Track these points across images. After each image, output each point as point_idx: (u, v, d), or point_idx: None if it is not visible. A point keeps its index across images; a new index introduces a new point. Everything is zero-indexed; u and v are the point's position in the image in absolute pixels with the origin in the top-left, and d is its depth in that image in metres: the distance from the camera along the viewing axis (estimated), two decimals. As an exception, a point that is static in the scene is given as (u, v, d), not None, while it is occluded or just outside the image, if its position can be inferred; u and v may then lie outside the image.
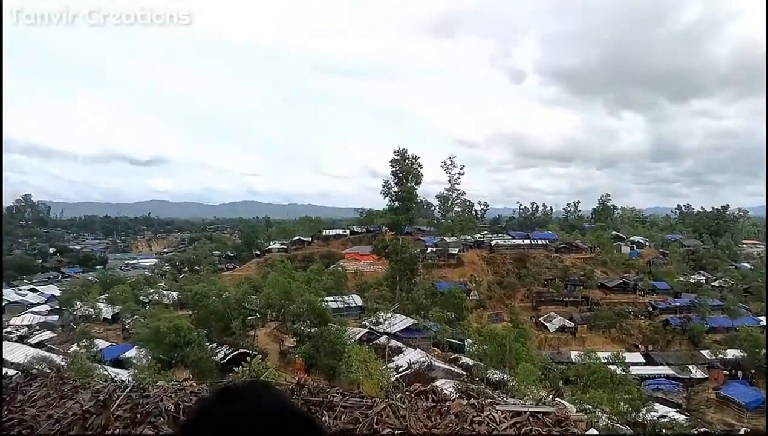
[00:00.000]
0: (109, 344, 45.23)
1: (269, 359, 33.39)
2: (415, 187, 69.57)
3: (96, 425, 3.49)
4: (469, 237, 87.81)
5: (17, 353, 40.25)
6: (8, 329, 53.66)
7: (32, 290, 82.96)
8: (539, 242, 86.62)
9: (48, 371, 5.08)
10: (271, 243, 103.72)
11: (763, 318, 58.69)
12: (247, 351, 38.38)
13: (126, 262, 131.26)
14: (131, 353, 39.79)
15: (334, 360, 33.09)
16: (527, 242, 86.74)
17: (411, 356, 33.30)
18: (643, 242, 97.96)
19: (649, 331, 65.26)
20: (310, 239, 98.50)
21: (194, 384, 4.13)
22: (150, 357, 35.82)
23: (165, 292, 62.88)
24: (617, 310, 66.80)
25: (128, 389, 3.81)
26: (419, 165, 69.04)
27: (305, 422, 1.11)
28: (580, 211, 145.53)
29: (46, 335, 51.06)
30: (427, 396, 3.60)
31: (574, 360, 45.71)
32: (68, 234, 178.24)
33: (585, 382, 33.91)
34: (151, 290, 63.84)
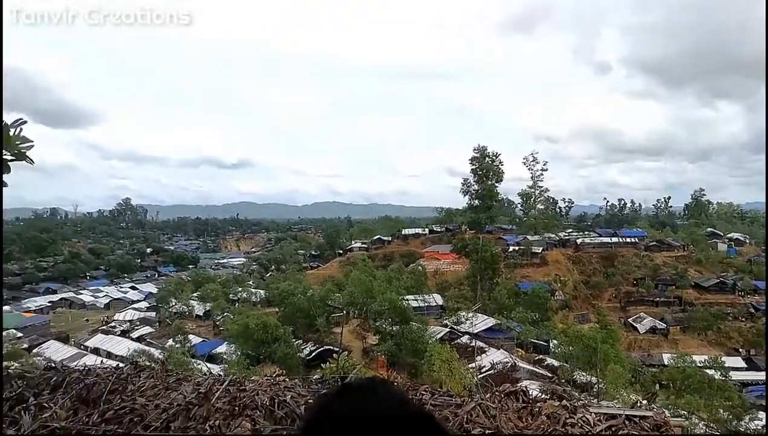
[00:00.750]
0: (202, 339, 47.20)
1: (352, 356, 33.99)
2: (496, 184, 68.62)
3: (198, 416, 3.71)
4: (553, 235, 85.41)
5: (121, 346, 43.17)
6: (112, 324, 57.54)
7: (132, 288, 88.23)
8: (628, 240, 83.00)
9: (153, 363, 5.44)
10: (353, 242, 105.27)
11: None
12: (332, 348, 39.25)
13: (216, 261, 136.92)
14: (222, 348, 41.52)
15: (415, 358, 33.22)
16: (615, 239, 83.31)
17: (494, 357, 32.90)
18: (742, 238, 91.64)
19: (750, 334, 60.89)
20: (390, 238, 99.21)
21: (287, 379, 4.30)
22: (239, 353, 37.35)
23: (253, 290, 65.07)
24: (714, 311, 62.77)
25: (226, 382, 4.01)
26: (500, 162, 68.05)
27: (427, 419, 1.10)
28: (671, 207, 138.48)
29: (145, 330, 54.22)
30: (517, 397, 3.56)
31: (666, 363, 43.49)
32: (163, 235, 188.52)
33: (679, 386, 32.21)
34: (240, 288, 66.21)
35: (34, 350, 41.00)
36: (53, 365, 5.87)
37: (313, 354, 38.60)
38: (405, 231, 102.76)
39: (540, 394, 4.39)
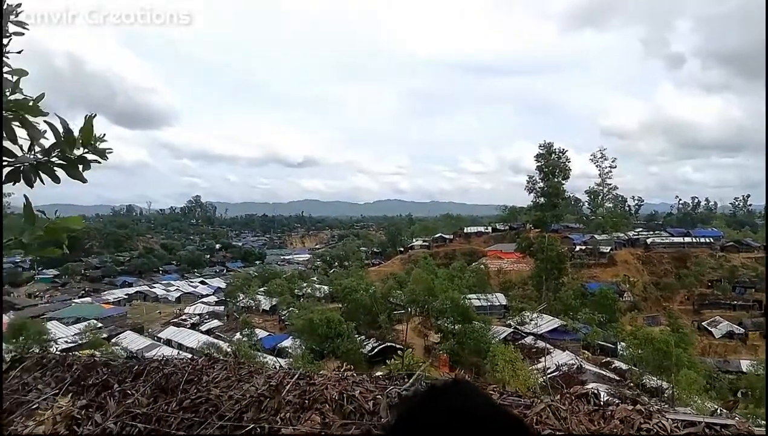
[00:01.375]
0: (268, 333, 48.39)
1: (415, 354, 34.06)
2: (563, 182, 66.91)
3: (270, 408, 3.82)
4: (622, 235, 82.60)
5: (191, 338, 44.90)
6: (183, 317, 59.84)
7: (202, 283, 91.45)
8: (702, 240, 79.23)
9: (225, 356, 5.64)
10: (414, 240, 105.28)
11: None
12: (394, 345, 39.44)
13: (282, 257, 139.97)
14: (287, 342, 42.47)
15: (478, 358, 32.95)
16: (688, 239, 79.71)
17: (559, 358, 32.20)
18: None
19: (840, 342, 57.01)
20: (451, 236, 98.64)
21: (354, 374, 4.37)
22: (304, 347, 38.12)
23: (317, 286, 66.11)
24: (799, 316, 59.07)
25: (296, 376, 4.12)
26: (566, 159, 66.35)
27: (517, 422, 1.07)
28: (750, 205, 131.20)
29: (214, 323, 56.12)
30: (588, 399, 3.49)
31: (745, 370, 41.30)
32: (231, 232, 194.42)
33: (760, 395, 30.55)
34: (305, 284, 67.40)
35: (113, 340, 43.29)
36: (134, 354, 6.17)
37: (375, 350, 38.92)
38: (467, 229, 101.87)
39: (610, 397, 4.28)
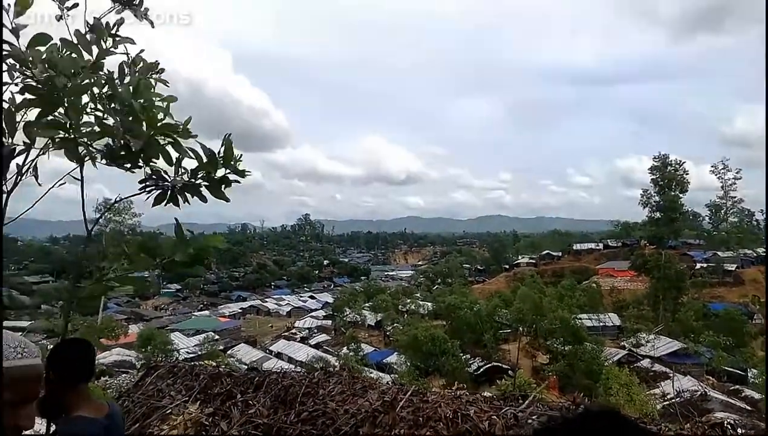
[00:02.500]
0: (373, 348, 48.86)
1: (522, 375, 33.11)
2: (680, 195, 62.88)
3: (384, 424, 3.88)
4: (750, 251, 75.95)
5: (301, 351, 46.31)
6: (293, 331, 61.95)
7: (311, 297, 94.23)
8: None
9: (341, 370, 5.80)
10: (520, 257, 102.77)
11: None
12: (500, 365, 38.60)
13: (386, 273, 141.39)
14: (392, 358, 42.67)
15: (590, 381, 31.44)
16: (831, 257, 71.86)
17: (680, 384, 30.02)
18: None
19: None
20: (559, 254, 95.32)
21: (467, 393, 4.35)
22: (409, 363, 38.17)
23: (420, 302, 66.10)
24: None
25: (409, 392, 4.16)
26: (684, 171, 62.37)
27: None
28: None
29: (322, 337, 57.53)
30: (724, 430, 3.26)
31: None
32: (338, 248, 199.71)
33: None
34: (408, 300, 67.55)
35: (228, 351, 45.61)
36: (249, 366, 6.52)
37: (481, 370, 38.23)
38: (576, 246, 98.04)
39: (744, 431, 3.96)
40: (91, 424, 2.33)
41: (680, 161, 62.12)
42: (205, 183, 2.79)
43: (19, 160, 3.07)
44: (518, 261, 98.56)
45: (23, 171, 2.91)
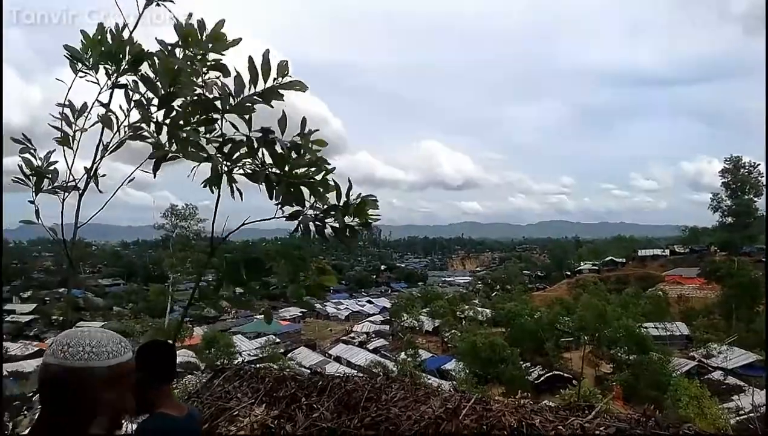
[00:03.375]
0: (431, 354, 48.66)
1: (585, 384, 32.24)
2: (755, 199, 59.90)
3: (447, 431, 3.88)
4: (833, 259, 71.37)
5: (359, 356, 46.64)
6: (351, 335, 62.47)
7: (369, 302, 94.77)
8: None
9: (400, 376, 5.84)
10: (582, 263, 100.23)
11: None
12: (561, 373, 37.70)
13: (443, 279, 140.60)
14: (450, 365, 42.38)
15: (657, 392, 30.28)
16: None
17: (757, 397, 28.50)
18: None
19: None
20: (623, 260, 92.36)
21: (531, 402, 4.29)
22: (467, 371, 37.81)
23: (479, 309, 65.39)
24: None
25: (472, 400, 4.14)
26: (758, 173, 59.46)
27: None
28: None
29: (380, 342, 57.66)
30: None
31: None
32: (395, 253, 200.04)
33: None
34: (467, 306, 66.92)
35: (289, 355, 46.42)
36: (309, 369, 6.63)
37: (542, 379, 37.46)
38: (641, 252, 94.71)
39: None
40: (173, 421, 2.45)
41: (754, 163, 59.31)
42: (333, 225, 2.93)
43: (87, 164, 3.28)
44: (580, 268, 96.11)
45: (92, 174, 3.10)
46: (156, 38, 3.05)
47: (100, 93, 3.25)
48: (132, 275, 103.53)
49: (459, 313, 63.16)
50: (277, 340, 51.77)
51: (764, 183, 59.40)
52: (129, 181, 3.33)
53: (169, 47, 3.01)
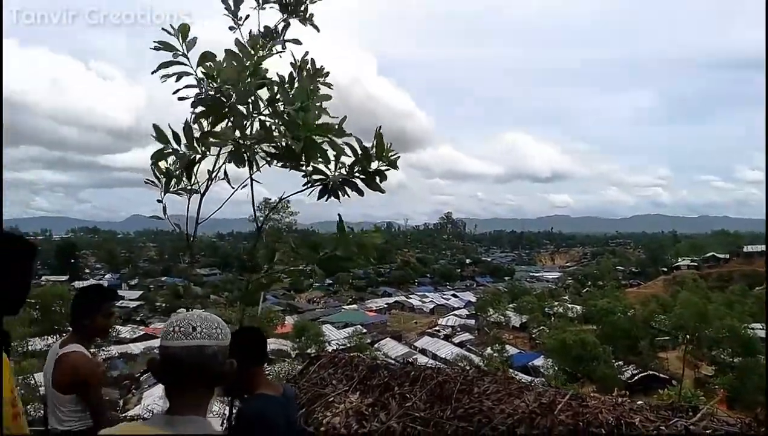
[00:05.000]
0: (518, 350, 47.91)
1: (686, 386, 30.66)
2: None
3: (542, 426, 3.85)
4: None
5: (444, 349, 46.65)
6: (437, 328, 62.53)
7: (453, 296, 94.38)
8: None
9: (496, 370, 5.85)
10: (680, 259, 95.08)
11: None
12: (656, 374, 36.04)
13: (530, 274, 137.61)
14: (538, 361, 41.53)
15: (764, 398, 28.27)
16: None
17: None
18: None
19: None
20: (726, 256, 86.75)
21: (629, 400, 4.17)
22: (556, 368, 36.90)
23: (569, 305, 63.64)
24: None
25: (567, 396, 4.09)
26: None
27: None
28: None
29: (465, 336, 57.40)
30: None
31: None
32: (480, 247, 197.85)
33: None
34: (556, 303, 65.36)
35: (375, 345, 47.14)
36: (410, 361, 6.76)
37: (635, 378, 35.95)
38: (747, 248, 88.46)
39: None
40: (271, 400, 2.65)
41: None
42: (361, 177, 2.97)
43: (210, 166, 3.51)
44: (678, 264, 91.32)
45: (213, 176, 3.32)
46: (277, 73, 3.25)
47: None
48: (227, 266, 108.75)
49: (548, 309, 61.81)
50: (364, 330, 52.67)
51: None
52: (243, 186, 3.53)
53: (286, 80, 3.21)
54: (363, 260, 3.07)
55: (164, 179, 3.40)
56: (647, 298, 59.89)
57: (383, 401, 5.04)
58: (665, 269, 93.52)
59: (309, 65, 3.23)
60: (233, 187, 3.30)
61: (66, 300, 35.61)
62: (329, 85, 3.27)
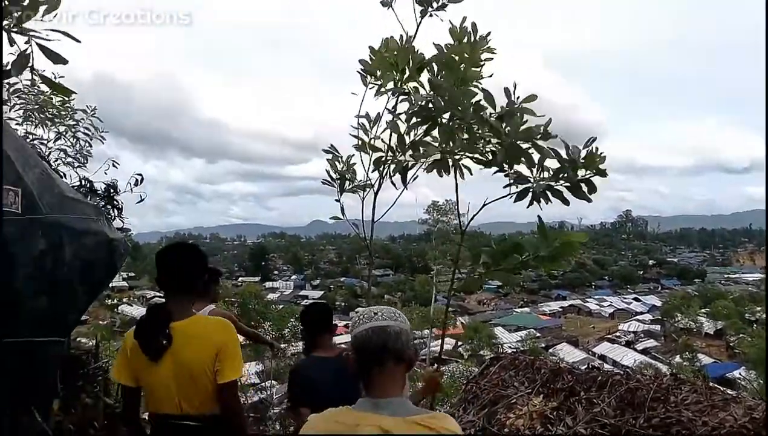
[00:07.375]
0: (712, 360, 43.66)
1: None
2: None
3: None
4: None
5: (627, 357, 43.77)
6: (617, 334, 58.91)
7: (635, 299, 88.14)
8: None
9: (695, 379, 5.42)
10: None
11: None
12: None
13: (726, 276, 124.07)
14: (737, 372, 37.40)
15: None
16: None
17: None
18: None
19: None
20: None
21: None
22: (760, 381, 32.80)
23: (775, 310, 56.29)
24: None
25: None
26: None
27: None
28: None
29: (650, 342, 53.48)
30: None
31: None
32: (665, 246, 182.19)
33: None
34: (758, 308, 58.27)
35: (550, 350, 45.60)
36: (596, 366, 6.51)
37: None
38: None
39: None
40: (322, 361, 2.96)
41: None
42: (566, 184, 2.90)
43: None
44: None
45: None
46: (433, 43, 3.34)
47: (387, 102, 3.66)
48: (399, 267, 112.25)
49: (748, 315, 55.38)
50: (537, 334, 51.28)
51: None
52: (413, 179, 3.70)
53: (446, 48, 3.25)
54: (566, 260, 3.05)
55: (338, 181, 3.68)
56: None
57: (569, 406, 4.92)
58: None
59: (470, 30, 3.16)
60: (406, 188, 3.48)
61: (260, 299, 39.41)
62: (492, 51, 3.24)
